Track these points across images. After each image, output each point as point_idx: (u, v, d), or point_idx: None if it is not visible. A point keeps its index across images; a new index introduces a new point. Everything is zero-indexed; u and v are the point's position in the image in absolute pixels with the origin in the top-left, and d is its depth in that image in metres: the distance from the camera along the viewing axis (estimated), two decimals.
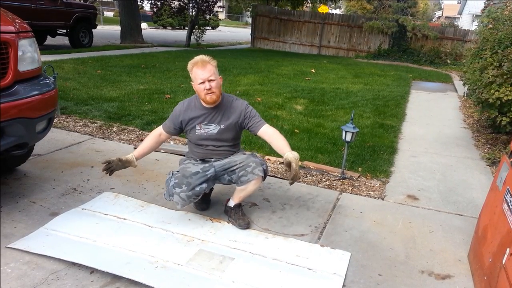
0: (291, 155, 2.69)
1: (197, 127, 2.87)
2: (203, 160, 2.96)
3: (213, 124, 2.86)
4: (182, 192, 2.73)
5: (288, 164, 2.69)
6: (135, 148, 4.22)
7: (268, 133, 2.90)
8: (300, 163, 4.15)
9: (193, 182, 2.76)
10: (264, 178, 2.91)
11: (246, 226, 2.93)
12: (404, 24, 15.93)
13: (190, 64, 2.75)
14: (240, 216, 2.97)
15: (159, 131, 3.01)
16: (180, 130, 2.97)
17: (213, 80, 2.72)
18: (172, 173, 2.85)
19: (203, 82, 2.70)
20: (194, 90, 2.83)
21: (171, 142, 4.56)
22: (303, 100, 7.38)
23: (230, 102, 2.91)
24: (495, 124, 5.17)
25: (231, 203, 3.02)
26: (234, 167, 2.88)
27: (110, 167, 2.79)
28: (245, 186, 2.87)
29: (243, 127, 2.94)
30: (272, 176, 3.86)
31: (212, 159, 2.96)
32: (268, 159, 4.23)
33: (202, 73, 2.70)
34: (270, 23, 18.81)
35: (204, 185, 2.83)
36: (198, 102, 2.87)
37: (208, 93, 2.73)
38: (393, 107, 7.27)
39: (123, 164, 2.84)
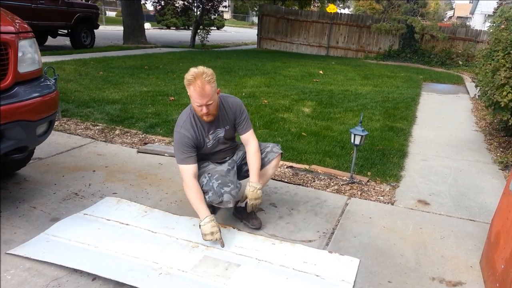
0: (247, 189, 2.82)
1: (207, 140, 2.82)
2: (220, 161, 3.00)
3: (218, 129, 2.84)
4: (232, 190, 2.70)
5: (245, 198, 2.84)
6: (138, 152, 4.26)
7: (249, 142, 2.91)
8: (307, 167, 4.13)
9: (233, 179, 2.81)
10: (281, 155, 3.03)
11: (260, 226, 2.94)
12: (412, 25, 15.81)
13: (186, 80, 2.57)
14: (253, 216, 2.98)
15: (191, 174, 2.70)
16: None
17: (211, 103, 2.60)
18: (207, 176, 2.75)
19: (200, 106, 2.60)
20: None
21: None
22: (311, 102, 7.31)
23: (227, 102, 2.86)
24: (508, 127, 5.09)
25: (243, 203, 2.99)
26: None
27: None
28: (264, 169, 2.92)
29: (234, 123, 2.94)
30: (279, 180, 3.82)
31: (227, 158, 3.00)
32: None
33: (200, 98, 2.55)
34: (276, 23, 18.75)
35: (240, 180, 2.92)
36: (197, 117, 2.76)
37: (205, 115, 2.66)
38: (403, 110, 7.18)
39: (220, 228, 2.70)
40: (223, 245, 2.63)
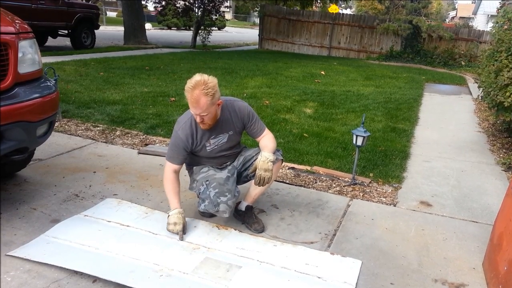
0: (258, 158, 2.74)
1: (207, 144, 2.80)
2: (220, 166, 2.96)
3: (221, 135, 2.81)
4: (229, 200, 2.67)
5: (254, 169, 2.76)
6: (139, 153, 4.25)
7: (265, 136, 2.91)
8: (309, 168, 4.11)
9: (231, 187, 2.74)
10: (282, 162, 2.98)
11: (262, 230, 2.91)
12: (418, 25, 15.76)
13: (186, 87, 2.53)
14: (254, 219, 2.95)
15: (172, 170, 2.78)
16: (190, 153, 2.88)
17: (205, 115, 2.57)
18: (205, 184, 2.76)
19: (194, 114, 2.59)
20: None
21: None
22: (313, 103, 7.30)
23: (233, 106, 2.83)
24: (511, 128, 5.05)
25: (243, 206, 2.99)
26: (252, 160, 2.90)
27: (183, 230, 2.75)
28: None
29: (245, 129, 2.92)
30: (280, 181, 3.80)
31: (228, 163, 2.96)
32: None
33: (193, 108, 2.54)
34: (278, 23, 18.74)
35: (238, 188, 2.84)
36: None
37: (200, 123, 2.65)
38: (405, 111, 7.16)
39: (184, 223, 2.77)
40: (182, 239, 2.69)
